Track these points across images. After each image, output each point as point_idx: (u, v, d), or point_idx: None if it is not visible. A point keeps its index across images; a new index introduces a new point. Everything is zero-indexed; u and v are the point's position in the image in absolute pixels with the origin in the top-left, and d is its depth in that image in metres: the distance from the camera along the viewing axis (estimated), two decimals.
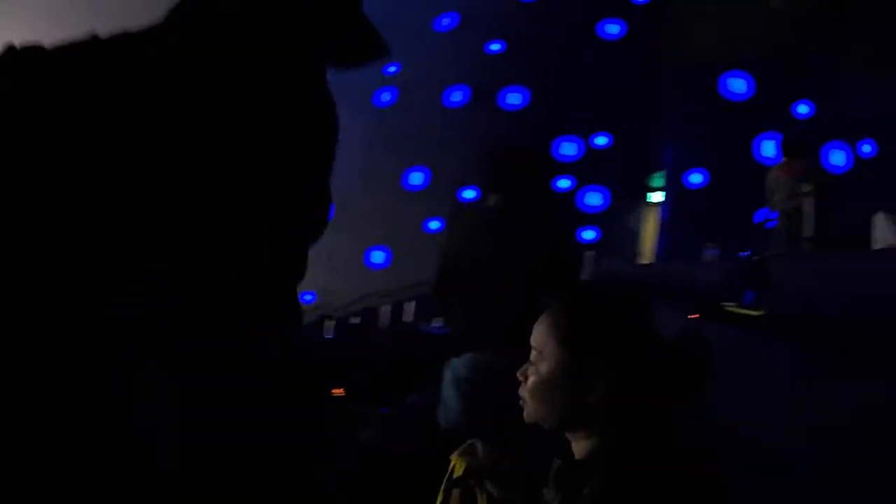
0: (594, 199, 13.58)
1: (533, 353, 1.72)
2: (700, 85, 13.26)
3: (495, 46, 14.17)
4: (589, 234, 13.10)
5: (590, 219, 13.28)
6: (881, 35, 11.70)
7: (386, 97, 14.29)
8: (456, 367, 2.77)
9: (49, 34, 1.54)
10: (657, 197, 14.18)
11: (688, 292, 7.75)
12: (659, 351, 1.67)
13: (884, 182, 10.61)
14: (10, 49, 1.41)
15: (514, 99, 13.99)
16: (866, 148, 13.03)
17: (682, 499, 1.57)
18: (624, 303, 1.78)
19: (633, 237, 13.90)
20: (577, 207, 13.38)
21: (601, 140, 13.86)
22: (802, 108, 13.23)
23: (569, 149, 13.79)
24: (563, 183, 13.51)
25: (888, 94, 11.67)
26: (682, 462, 1.64)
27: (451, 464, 2.44)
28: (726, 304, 8.32)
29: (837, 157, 12.86)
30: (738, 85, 13.39)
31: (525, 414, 1.72)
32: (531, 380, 1.69)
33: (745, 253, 9.82)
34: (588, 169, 13.50)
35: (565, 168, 13.51)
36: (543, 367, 1.68)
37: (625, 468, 1.57)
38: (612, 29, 14.27)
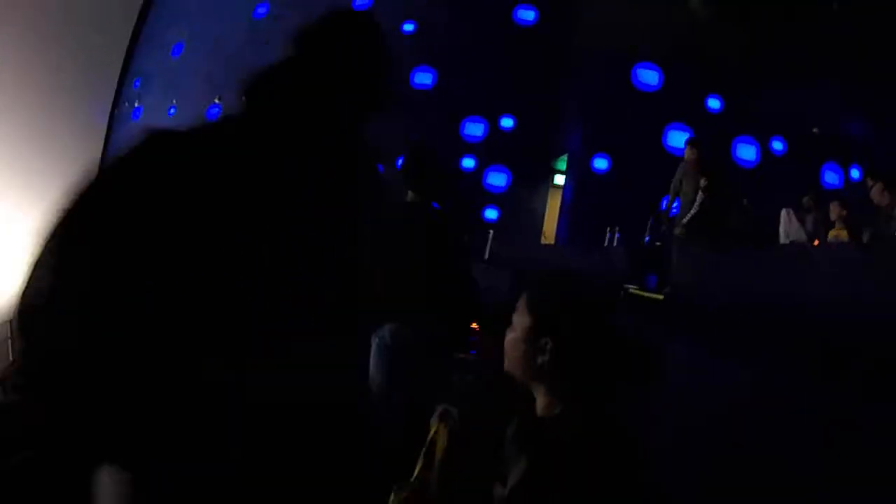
0: (497, 179, 13.61)
1: (514, 316, 1.95)
2: (612, 74, 13.37)
3: (408, 27, 14.17)
4: (491, 214, 13.10)
5: (492, 198, 13.26)
6: (796, 37, 11.89)
7: None
8: (382, 336, 3.27)
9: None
10: (560, 180, 14.16)
11: (589, 274, 7.56)
12: (608, 335, 1.88)
13: (793, 179, 10.71)
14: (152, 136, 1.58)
15: (423, 79, 14.04)
16: (777, 145, 13.30)
17: (612, 459, 1.75)
18: (585, 289, 1.97)
19: (536, 218, 13.81)
20: (481, 187, 13.35)
21: (507, 122, 13.91)
22: (713, 103, 13.53)
23: (474, 129, 13.86)
24: (468, 163, 13.55)
25: (800, 95, 11.89)
26: (616, 430, 1.82)
27: (433, 429, 2.50)
28: (629, 286, 8.27)
29: (746, 152, 13.05)
30: (649, 76, 13.57)
31: (504, 364, 1.98)
32: (507, 337, 1.95)
33: (647, 238, 9.82)
34: (493, 149, 13.47)
35: (470, 148, 13.55)
36: (516, 329, 1.93)
37: (569, 427, 1.79)
38: (527, 15, 14.37)
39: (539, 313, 1.91)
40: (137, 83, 20.83)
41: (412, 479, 2.41)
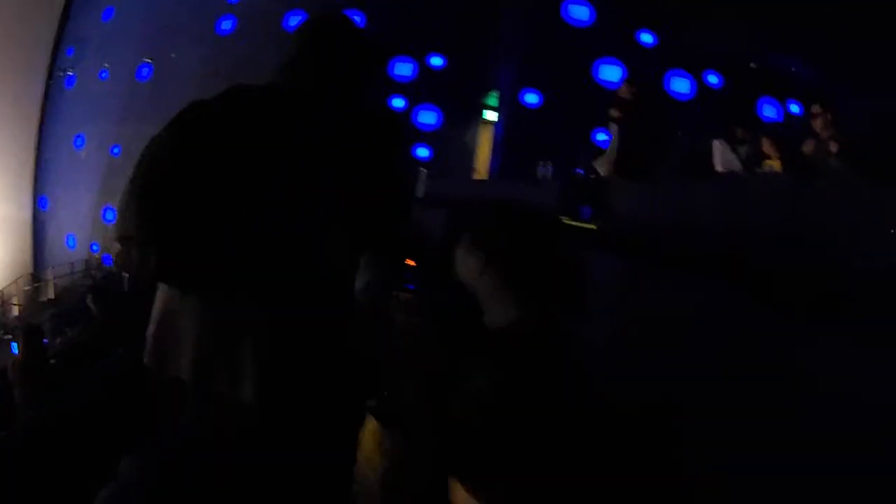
0: (428, 117, 13.49)
1: (462, 241, 2.08)
2: (542, 9, 13.18)
3: None
4: (423, 152, 12.96)
5: (424, 137, 13.12)
6: None
7: (227, 25, 14.76)
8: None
9: None
10: (492, 116, 14.02)
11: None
12: (555, 252, 2.00)
13: (730, 112, 10.72)
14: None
15: None
16: (712, 79, 13.32)
17: (565, 371, 1.88)
18: (530, 210, 2.08)
19: (468, 155, 13.74)
20: (412, 125, 13.19)
21: (436, 60, 13.76)
22: (646, 37, 13.44)
23: (404, 69, 13.64)
24: (398, 102, 13.37)
25: (738, 30, 11.91)
26: (567, 343, 1.93)
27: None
28: (563, 217, 8.17)
29: (680, 86, 13.05)
30: (580, 12, 13.42)
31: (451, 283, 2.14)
32: (457, 258, 2.08)
33: (580, 171, 9.76)
34: (423, 88, 13.33)
35: (400, 88, 13.42)
36: (465, 250, 2.04)
37: (522, 342, 1.91)
38: None
39: (483, 242, 2.02)
40: (71, 51, 20.66)
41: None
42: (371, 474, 2.29)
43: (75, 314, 10.76)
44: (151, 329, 2.26)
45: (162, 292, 2.27)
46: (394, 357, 2.67)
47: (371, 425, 2.45)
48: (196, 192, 2.09)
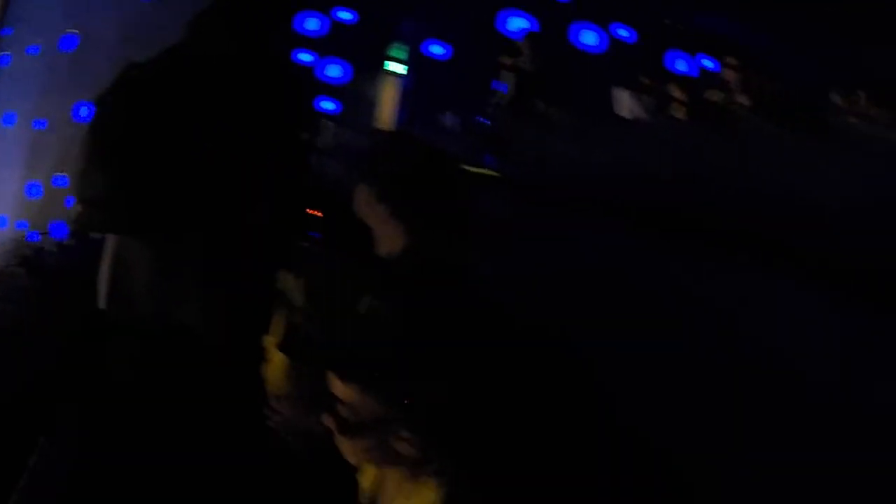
0: (335, 71, 13.37)
1: (363, 178, 2.27)
2: None
3: None
4: (329, 105, 12.83)
5: (331, 91, 13.01)
6: None
7: None
8: None
9: None
10: (398, 68, 13.96)
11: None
12: (437, 188, 2.20)
13: (641, 65, 10.78)
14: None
15: None
16: (622, 32, 13.39)
17: (449, 301, 1.88)
18: (419, 148, 2.33)
19: (374, 107, 13.69)
20: (319, 79, 13.05)
21: (344, 14, 13.63)
22: None
23: (312, 24, 13.45)
24: (305, 57, 13.18)
25: None
26: (455, 275, 2.10)
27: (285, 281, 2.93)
28: (466, 166, 8.22)
29: (589, 38, 13.08)
30: None
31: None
32: (358, 195, 2.29)
33: (484, 120, 9.83)
34: (330, 43, 13.21)
35: (307, 42, 13.25)
36: (367, 186, 2.25)
37: (416, 265, 2.08)
38: None
39: (385, 166, 2.24)
40: (9, 31, 20.18)
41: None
42: (280, 404, 2.53)
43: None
44: (106, 275, 2.61)
45: (115, 242, 2.59)
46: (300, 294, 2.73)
47: (278, 358, 2.72)
48: (147, 148, 2.38)
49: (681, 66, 13.68)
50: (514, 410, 1.75)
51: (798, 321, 2.16)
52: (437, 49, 13.35)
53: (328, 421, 1.66)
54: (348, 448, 1.63)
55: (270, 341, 2.77)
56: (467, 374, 1.65)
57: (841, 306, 2.11)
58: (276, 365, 2.75)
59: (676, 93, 8.83)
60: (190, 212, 2.44)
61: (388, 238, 2.19)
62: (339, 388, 1.63)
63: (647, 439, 2.39)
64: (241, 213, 2.58)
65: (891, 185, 3.58)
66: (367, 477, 1.79)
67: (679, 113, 8.62)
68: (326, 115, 12.50)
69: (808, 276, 2.24)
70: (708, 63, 13.79)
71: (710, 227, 3.71)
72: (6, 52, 20.15)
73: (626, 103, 9.27)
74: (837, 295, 2.13)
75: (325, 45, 13.28)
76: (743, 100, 7.16)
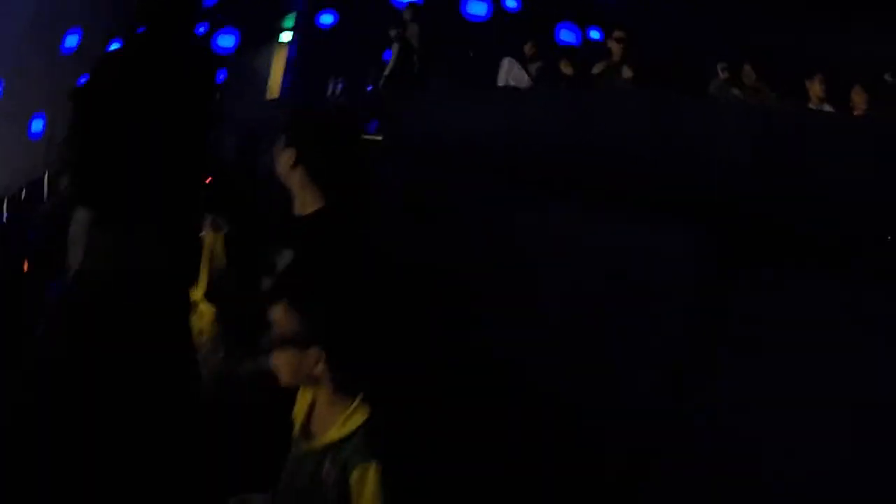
0: (226, 41, 13.31)
1: (275, 151, 2.61)
2: None
3: None
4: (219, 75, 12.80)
5: (222, 60, 12.93)
6: None
7: None
8: None
9: None
10: (287, 37, 14.00)
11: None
12: (343, 156, 2.55)
13: (527, 35, 10.91)
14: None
15: None
16: (510, 2, 13.59)
17: (352, 253, 2.29)
18: (330, 120, 2.74)
19: (262, 76, 13.66)
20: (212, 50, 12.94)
21: None
22: None
23: None
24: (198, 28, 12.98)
25: None
26: (359, 231, 2.44)
27: (207, 239, 3.40)
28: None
29: (477, 8, 13.33)
30: None
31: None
32: (278, 162, 2.59)
33: (370, 87, 9.93)
34: (222, 12, 13.11)
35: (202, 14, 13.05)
36: (280, 156, 2.57)
37: (326, 222, 2.40)
38: None
39: (300, 136, 2.53)
40: None
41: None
42: (204, 347, 3.02)
43: None
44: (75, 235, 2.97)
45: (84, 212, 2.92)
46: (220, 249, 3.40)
47: (204, 307, 3.21)
48: (111, 131, 2.68)
49: (567, 36, 13.92)
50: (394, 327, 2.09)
51: (659, 258, 2.34)
52: (326, 18, 13.38)
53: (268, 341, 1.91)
54: (281, 363, 1.83)
55: (198, 293, 3.23)
56: (357, 298, 1.88)
57: (701, 246, 2.28)
58: (203, 314, 3.22)
59: (564, 63, 9.08)
60: (141, 189, 2.70)
61: (303, 197, 2.50)
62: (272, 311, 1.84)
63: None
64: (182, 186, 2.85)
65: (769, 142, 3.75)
66: (301, 404, 1.95)
67: (564, 82, 8.87)
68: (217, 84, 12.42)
69: (683, 223, 2.43)
70: (594, 34, 14.10)
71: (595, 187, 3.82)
72: None
73: (507, 70, 9.42)
74: (698, 235, 2.31)
75: (217, 16, 13.15)
76: (625, 74, 7.36)
